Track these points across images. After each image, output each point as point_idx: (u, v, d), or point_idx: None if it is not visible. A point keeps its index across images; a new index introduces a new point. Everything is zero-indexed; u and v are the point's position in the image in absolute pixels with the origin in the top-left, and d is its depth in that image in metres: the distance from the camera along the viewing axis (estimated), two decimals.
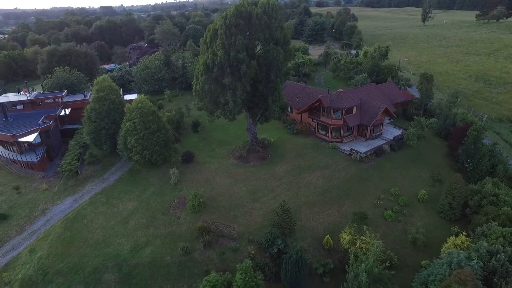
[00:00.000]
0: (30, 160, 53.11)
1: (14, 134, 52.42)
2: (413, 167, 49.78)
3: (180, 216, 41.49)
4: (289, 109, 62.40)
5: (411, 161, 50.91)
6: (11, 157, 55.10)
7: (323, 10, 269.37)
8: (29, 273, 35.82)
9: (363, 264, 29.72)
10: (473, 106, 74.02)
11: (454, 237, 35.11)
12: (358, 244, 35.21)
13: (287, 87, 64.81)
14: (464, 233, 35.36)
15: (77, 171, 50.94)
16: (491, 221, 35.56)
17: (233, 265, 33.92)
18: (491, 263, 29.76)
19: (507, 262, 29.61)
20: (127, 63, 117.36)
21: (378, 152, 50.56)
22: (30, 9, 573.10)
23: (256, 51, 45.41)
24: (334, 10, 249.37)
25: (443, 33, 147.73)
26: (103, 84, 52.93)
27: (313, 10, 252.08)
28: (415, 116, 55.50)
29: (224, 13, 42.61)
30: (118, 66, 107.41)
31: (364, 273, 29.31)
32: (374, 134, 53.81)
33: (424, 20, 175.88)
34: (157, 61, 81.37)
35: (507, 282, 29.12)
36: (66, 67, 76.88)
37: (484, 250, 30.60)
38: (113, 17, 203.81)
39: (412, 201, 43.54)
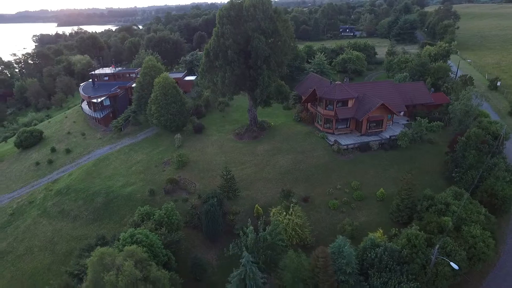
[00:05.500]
0: (97, 116, 71.39)
1: (90, 96, 71.47)
2: (395, 168, 47.55)
3: (165, 169, 51.52)
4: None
5: (397, 162, 48.52)
6: (90, 114, 74.73)
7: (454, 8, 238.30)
8: (61, 187, 51.58)
9: (251, 227, 33.80)
10: None
11: (372, 233, 35.05)
12: (281, 218, 38.55)
13: (308, 79, 67.51)
14: (381, 231, 34.92)
15: (121, 128, 66.43)
16: (413, 224, 33.90)
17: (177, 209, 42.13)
18: (370, 255, 29.96)
19: (385, 257, 29.36)
20: None
21: (362, 147, 49.94)
22: (174, 5, 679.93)
23: None
24: (465, 8, 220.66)
25: None
26: (148, 63, 66.84)
27: (432, 9, 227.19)
28: (418, 117, 51.41)
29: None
30: None
31: (251, 234, 33.46)
32: (370, 131, 52.75)
33: None
34: None
35: (381, 276, 29.13)
36: (149, 50, 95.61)
37: (369, 243, 30.78)
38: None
39: (369, 198, 42.99)
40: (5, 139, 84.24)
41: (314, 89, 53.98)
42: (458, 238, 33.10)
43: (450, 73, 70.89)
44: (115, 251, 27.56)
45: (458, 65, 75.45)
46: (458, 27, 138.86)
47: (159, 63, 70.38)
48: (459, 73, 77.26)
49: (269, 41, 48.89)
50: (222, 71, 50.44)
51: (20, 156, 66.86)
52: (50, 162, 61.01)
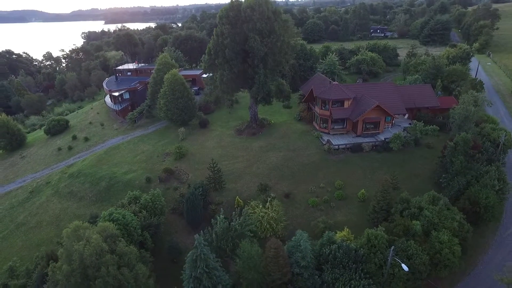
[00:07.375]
0: (116, 109, 76.98)
1: (110, 89, 77.24)
2: (385, 170, 47.13)
3: (165, 160, 55.03)
4: None
5: (387, 164, 48.05)
6: (111, 106, 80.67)
7: (503, 6, 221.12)
8: (74, 170, 56.95)
9: (222, 216, 35.90)
10: None
11: (340, 232, 35.80)
12: (257, 211, 40.29)
13: (313, 79, 68.01)
14: (348, 230, 35.51)
15: (135, 120, 71.27)
16: (379, 226, 34.13)
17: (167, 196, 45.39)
18: (325, 251, 30.88)
19: (339, 254, 30.11)
20: None
21: (354, 148, 50.01)
22: (214, 4, 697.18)
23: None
24: None
25: None
26: (162, 60, 71.04)
27: (470, 8, 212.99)
28: (414, 120, 50.24)
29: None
30: None
31: (220, 223, 35.59)
32: (366, 132, 52.55)
33: None
34: None
35: (333, 272, 30.00)
36: (172, 48, 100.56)
37: (326, 239, 31.69)
38: None
39: (350, 198, 43.31)
40: (40, 127, 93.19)
41: (312, 88, 54.71)
42: (425, 242, 32.93)
43: (469, 76, 67.80)
44: (93, 226, 30.98)
45: (477, 68, 71.78)
46: (497, 28, 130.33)
47: (173, 60, 74.31)
48: (486, 78, 73.66)
49: (267, 41, 50.33)
50: (222, 69, 52.85)
51: (47, 141, 74.02)
52: (70, 148, 67.12)
